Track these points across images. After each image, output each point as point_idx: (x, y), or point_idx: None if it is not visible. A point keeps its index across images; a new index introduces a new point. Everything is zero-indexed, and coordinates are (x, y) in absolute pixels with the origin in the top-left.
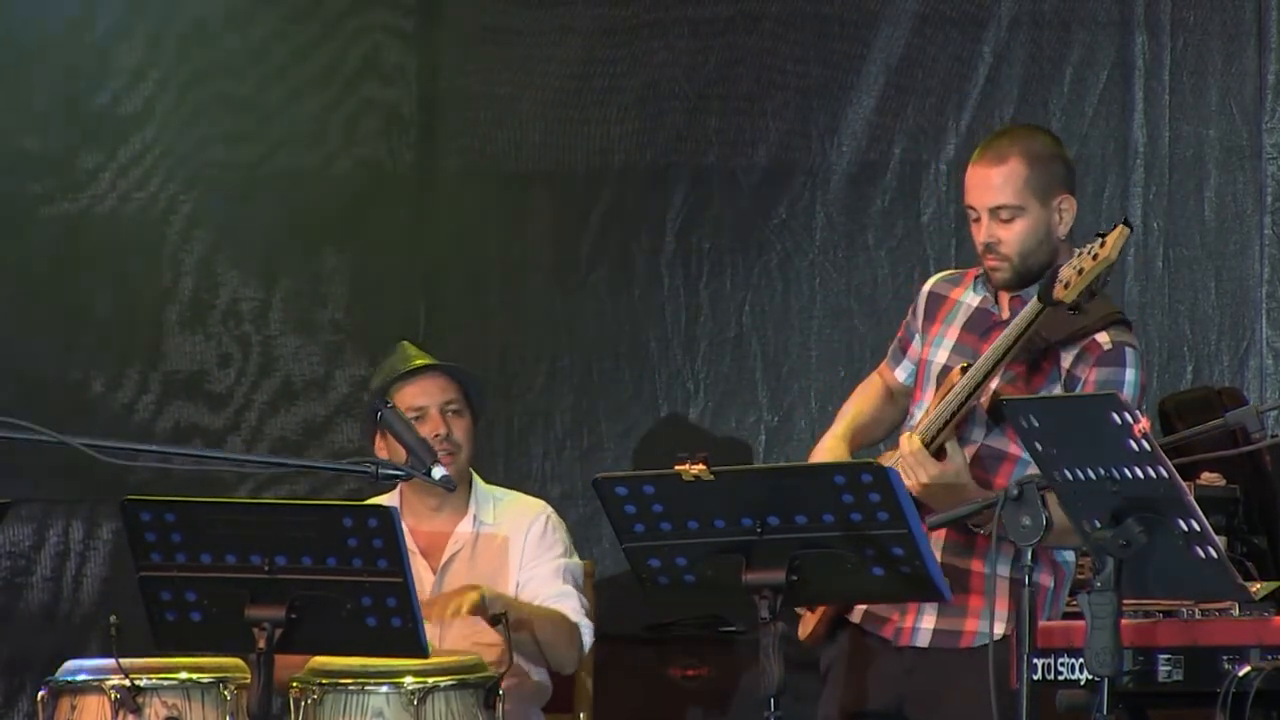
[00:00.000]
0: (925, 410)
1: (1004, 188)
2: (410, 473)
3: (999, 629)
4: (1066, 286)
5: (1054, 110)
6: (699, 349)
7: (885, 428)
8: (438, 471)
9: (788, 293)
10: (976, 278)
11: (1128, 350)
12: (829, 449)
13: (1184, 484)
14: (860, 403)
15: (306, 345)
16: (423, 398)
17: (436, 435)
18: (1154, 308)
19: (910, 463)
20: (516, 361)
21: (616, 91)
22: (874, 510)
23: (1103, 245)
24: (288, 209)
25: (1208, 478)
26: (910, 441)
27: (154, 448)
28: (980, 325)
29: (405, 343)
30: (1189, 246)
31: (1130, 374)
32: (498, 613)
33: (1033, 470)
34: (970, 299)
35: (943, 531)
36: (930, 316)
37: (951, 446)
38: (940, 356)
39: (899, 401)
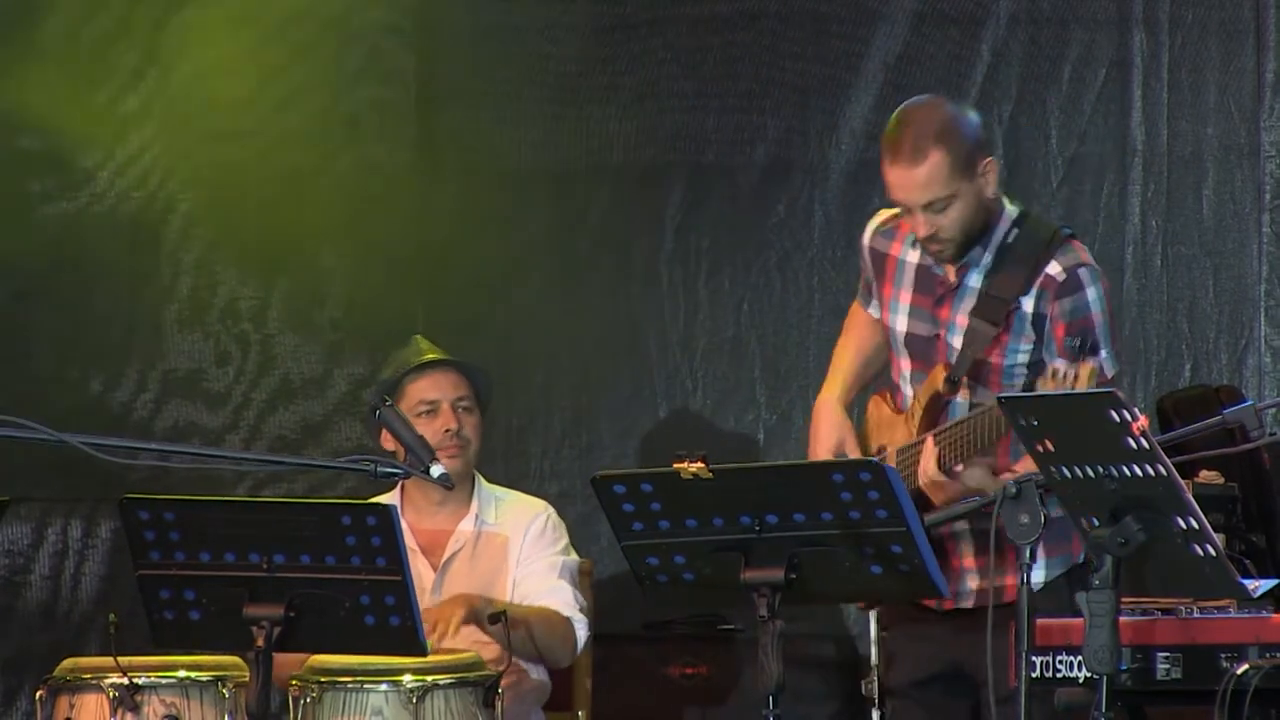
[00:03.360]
0: (915, 395)
1: (931, 183)
2: (409, 470)
3: (1038, 576)
4: None
5: (1052, 108)
6: (697, 347)
7: (882, 355)
8: (436, 469)
9: (786, 291)
10: (911, 232)
11: (1082, 271)
12: (828, 418)
13: (1182, 482)
14: (848, 346)
15: (305, 344)
16: (434, 392)
17: (447, 430)
18: (1152, 306)
19: (930, 490)
20: (515, 360)
21: (615, 90)
22: (872, 508)
23: (1076, 379)
24: (286, 207)
25: (1206, 476)
26: (927, 464)
27: (153, 446)
28: (929, 288)
29: (419, 336)
30: (1187, 244)
31: (1092, 292)
32: (496, 611)
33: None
34: (910, 255)
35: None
36: (879, 276)
37: (967, 470)
38: (901, 324)
39: (882, 327)
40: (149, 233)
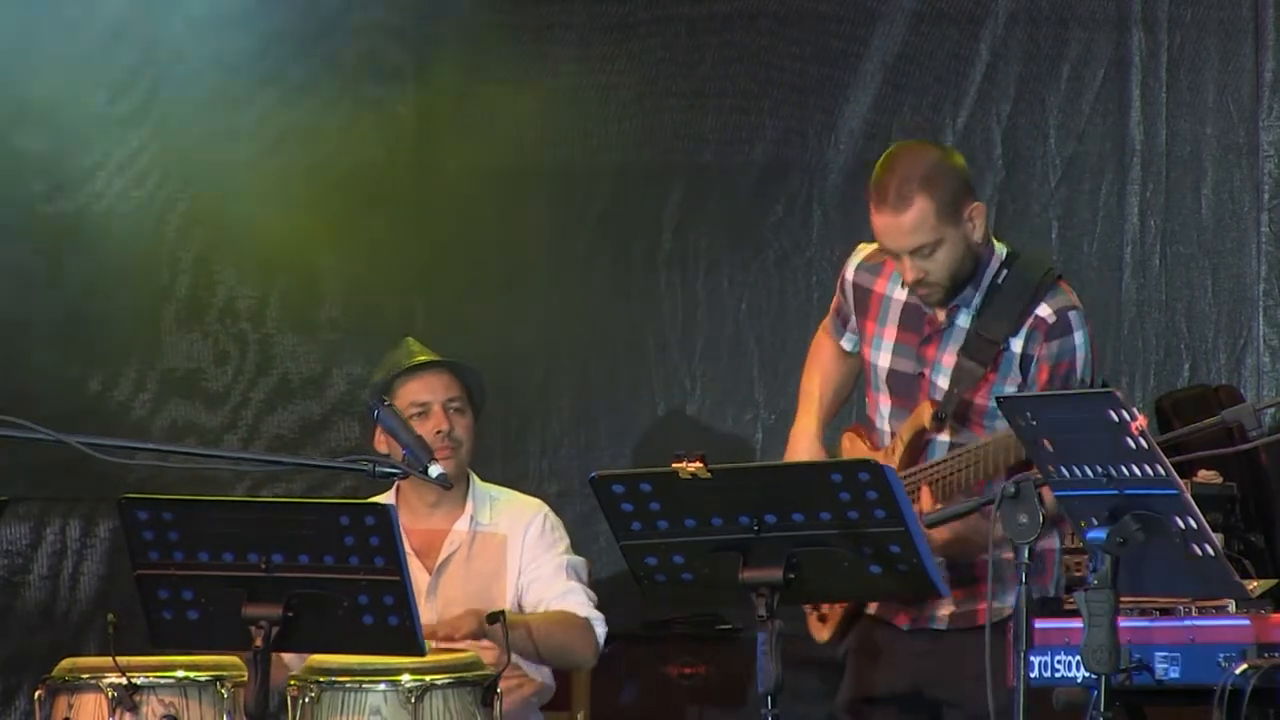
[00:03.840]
0: (896, 433)
1: (918, 230)
2: (407, 470)
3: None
4: None
5: (1051, 108)
6: (696, 347)
7: (849, 387)
8: (434, 469)
9: (785, 290)
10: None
11: (1071, 314)
12: (806, 449)
13: (1181, 481)
14: (820, 376)
15: (304, 343)
16: (426, 393)
17: (439, 432)
18: (1151, 305)
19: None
20: (514, 359)
21: (614, 89)
22: (871, 508)
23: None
24: (286, 207)
25: (1205, 475)
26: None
27: (151, 446)
28: (916, 325)
29: (410, 339)
30: (1186, 244)
31: (1079, 337)
32: (494, 612)
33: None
34: (897, 293)
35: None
36: (861, 312)
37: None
38: (884, 360)
39: (851, 359)
40: (147, 232)
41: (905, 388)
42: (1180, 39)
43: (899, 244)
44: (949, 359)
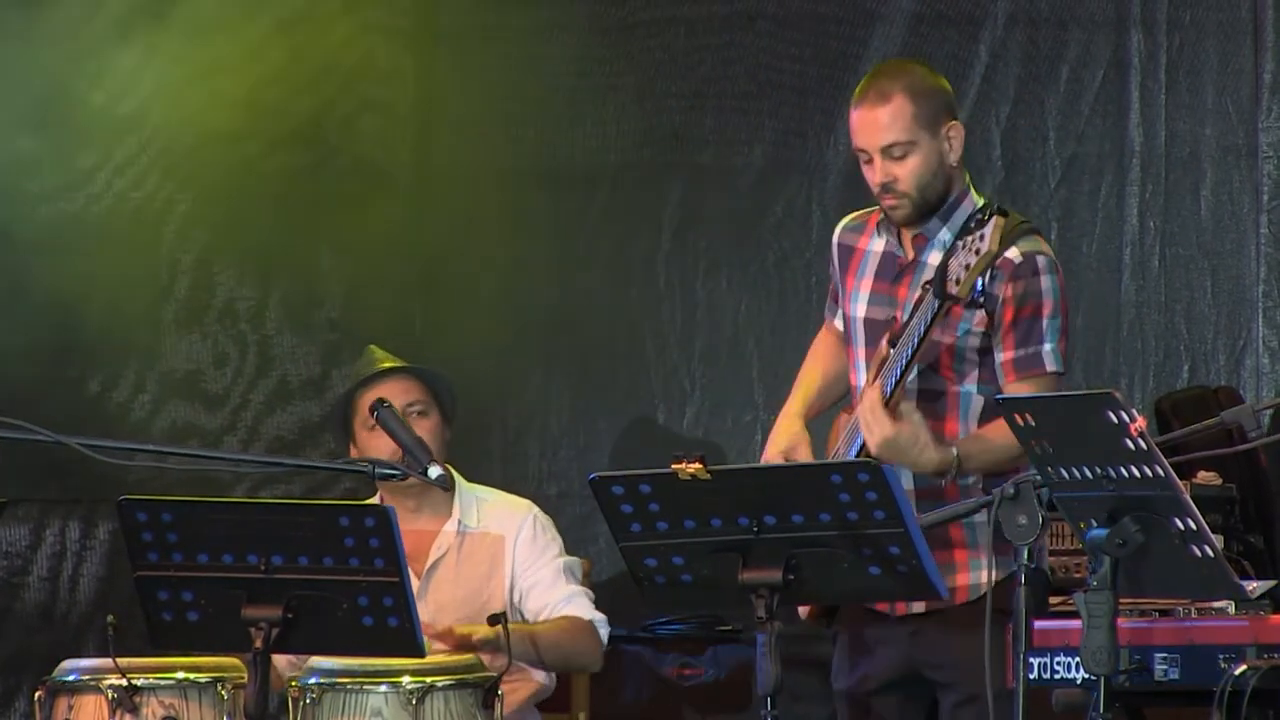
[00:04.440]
0: (864, 372)
1: (893, 125)
2: (407, 471)
3: (993, 574)
4: (958, 283)
5: (1050, 109)
6: (695, 348)
7: (844, 383)
8: (434, 470)
9: (784, 291)
10: (879, 222)
11: (1039, 258)
12: (785, 430)
13: (1180, 483)
14: (812, 367)
15: (303, 345)
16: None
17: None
18: (1150, 306)
19: (869, 419)
20: (513, 361)
21: (613, 90)
22: (870, 509)
23: (983, 240)
24: (284, 208)
25: (1204, 476)
26: (870, 393)
27: (150, 447)
28: (889, 270)
29: (371, 346)
30: (1185, 245)
31: (1047, 281)
32: (495, 614)
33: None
34: (876, 245)
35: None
36: (844, 268)
37: (906, 407)
38: (860, 310)
39: (846, 350)
40: (146, 233)
41: (878, 335)
42: (1179, 40)
43: (872, 139)
44: (917, 294)
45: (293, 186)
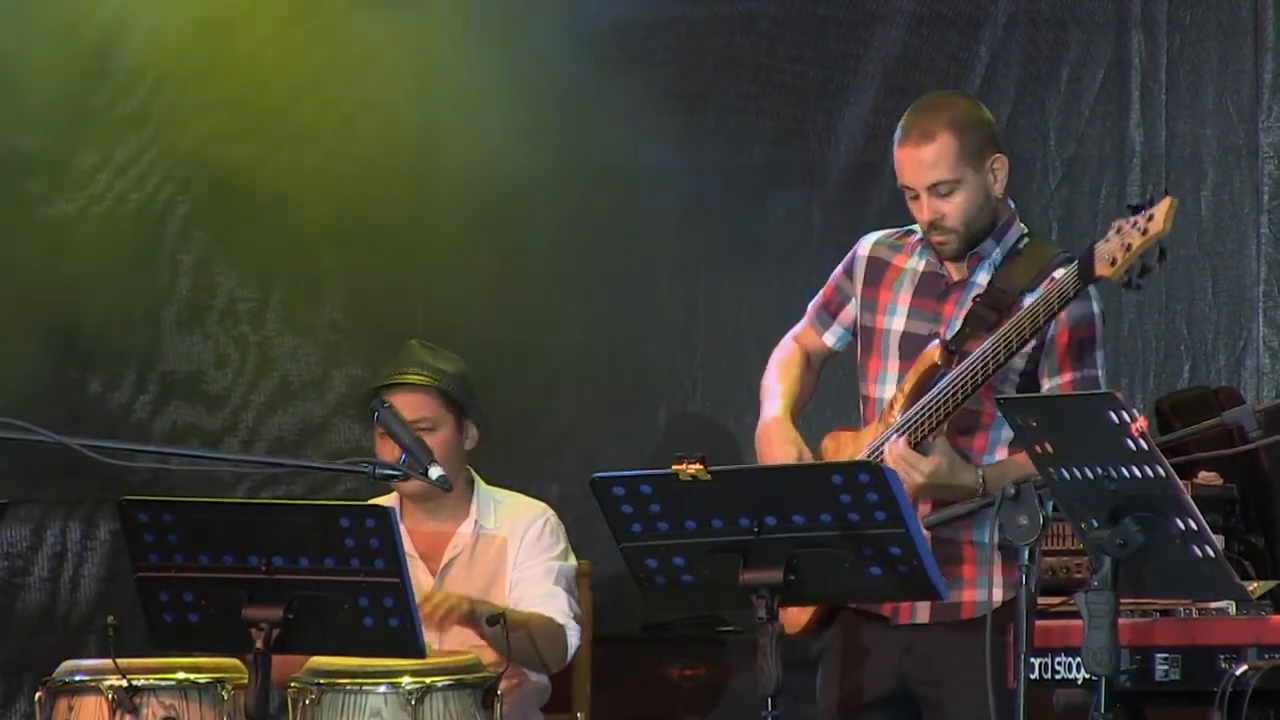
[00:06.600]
0: (899, 386)
1: (939, 164)
2: (407, 472)
3: (997, 595)
4: (1114, 264)
5: (1051, 110)
6: (697, 348)
7: (809, 393)
8: (434, 471)
9: (785, 292)
10: (920, 245)
11: (1089, 286)
12: (783, 436)
13: (1181, 483)
14: (789, 374)
15: (304, 345)
16: None
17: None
18: (1151, 307)
19: (902, 467)
20: (514, 361)
21: (613, 91)
22: (871, 510)
23: (1151, 219)
24: (286, 208)
25: (1205, 477)
26: (895, 446)
27: (151, 448)
28: (932, 288)
29: (412, 342)
30: (1186, 246)
31: (1095, 306)
32: (495, 614)
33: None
34: (915, 264)
35: (926, 508)
36: (873, 282)
37: (940, 443)
38: (898, 324)
39: (815, 368)
40: (147, 234)
41: (917, 349)
42: (1180, 41)
43: (918, 178)
44: (965, 312)
45: (294, 186)
